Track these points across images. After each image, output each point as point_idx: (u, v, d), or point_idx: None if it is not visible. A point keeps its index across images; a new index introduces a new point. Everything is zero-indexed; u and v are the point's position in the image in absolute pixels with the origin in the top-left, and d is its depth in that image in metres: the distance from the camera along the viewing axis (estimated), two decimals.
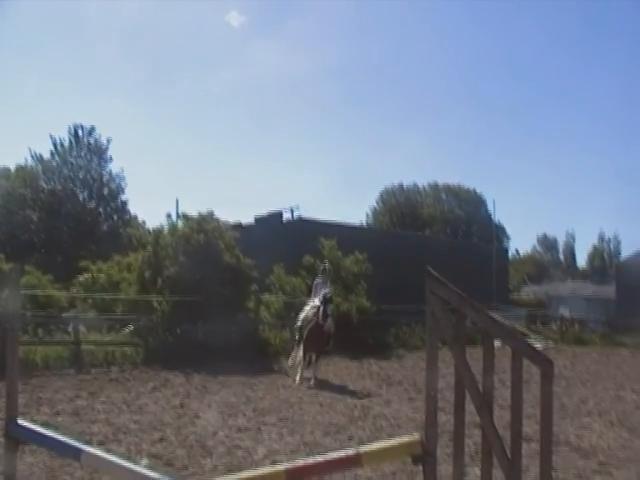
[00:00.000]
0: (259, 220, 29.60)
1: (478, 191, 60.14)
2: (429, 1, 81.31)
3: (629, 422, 8.66)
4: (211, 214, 16.09)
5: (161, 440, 6.89)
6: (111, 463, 3.69)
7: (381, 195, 61.24)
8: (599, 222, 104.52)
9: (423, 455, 3.80)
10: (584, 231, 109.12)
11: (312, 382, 11.42)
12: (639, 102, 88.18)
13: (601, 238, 74.23)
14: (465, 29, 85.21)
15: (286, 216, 28.86)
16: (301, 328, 12.34)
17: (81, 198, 45.64)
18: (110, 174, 46.49)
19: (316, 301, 12.18)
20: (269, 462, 5.75)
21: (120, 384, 10.91)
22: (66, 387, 10.36)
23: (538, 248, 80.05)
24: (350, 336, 15.60)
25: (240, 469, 5.18)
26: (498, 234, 51.96)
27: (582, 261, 77.09)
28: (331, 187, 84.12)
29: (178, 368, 12.17)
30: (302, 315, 12.64)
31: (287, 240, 23.65)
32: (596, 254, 73.55)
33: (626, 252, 58.42)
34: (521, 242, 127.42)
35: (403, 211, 57.73)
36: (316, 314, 11.87)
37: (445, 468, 4.17)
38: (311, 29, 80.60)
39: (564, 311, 33.60)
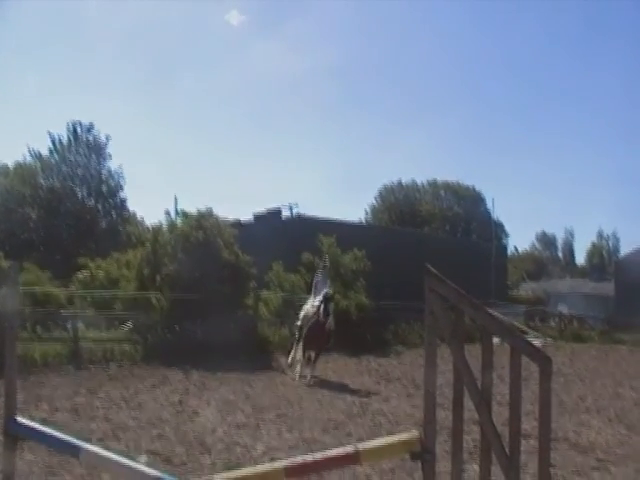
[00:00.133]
0: (258, 217, 29.63)
1: (477, 188, 60.21)
2: (429, 1, 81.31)
3: (627, 419, 8.68)
4: (210, 211, 16.07)
5: (160, 437, 6.90)
6: (110, 460, 3.69)
7: (380, 192, 61.24)
8: (598, 219, 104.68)
9: (422, 452, 3.80)
10: (583, 228, 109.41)
11: (310, 380, 11.42)
12: (639, 101, 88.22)
13: (600, 235, 74.39)
14: (465, 29, 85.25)
15: (285, 214, 28.90)
16: (301, 327, 12.33)
17: (80, 196, 45.63)
18: (109, 171, 46.50)
19: (317, 299, 12.17)
20: (268, 459, 5.76)
21: (119, 381, 10.92)
22: (65, 384, 10.36)
23: (537, 245, 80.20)
24: (349, 333, 15.59)
25: (239, 466, 5.18)
26: (497, 231, 52.02)
27: (581, 258, 77.27)
28: (330, 185, 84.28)
29: (177, 365, 12.17)
30: (302, 313, 12.64)
31: (286, 237, 23.67)
32: (595, 251, 73.64)
33: (625, 249, 58.55)
34: (520, 239, 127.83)
35: (402, 208, 57.71)
36: (317, 312, 11.86)
37: (444, 465, 4.18)
38: (311, 29, 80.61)
39: (563, 308, 33.69)
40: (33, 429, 3.88)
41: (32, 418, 4.52)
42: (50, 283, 18.49)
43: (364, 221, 55.24)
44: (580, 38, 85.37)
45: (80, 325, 13.91)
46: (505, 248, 48.35)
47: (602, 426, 8.14)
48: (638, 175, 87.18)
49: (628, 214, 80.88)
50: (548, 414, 3.50)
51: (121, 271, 17.32)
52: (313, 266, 16.33)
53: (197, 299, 13.98)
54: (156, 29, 70.96)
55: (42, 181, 44.62)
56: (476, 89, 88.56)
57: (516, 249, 71.28)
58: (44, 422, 5.73)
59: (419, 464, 3.88)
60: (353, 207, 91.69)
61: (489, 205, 52.57)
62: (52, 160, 45.40)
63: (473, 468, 4.94)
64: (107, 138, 45.75)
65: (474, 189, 60.36)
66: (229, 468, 5.21)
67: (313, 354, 11.95)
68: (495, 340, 3.82)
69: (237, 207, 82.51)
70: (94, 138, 45.83)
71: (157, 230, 16.19)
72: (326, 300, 11.85)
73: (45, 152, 45.34)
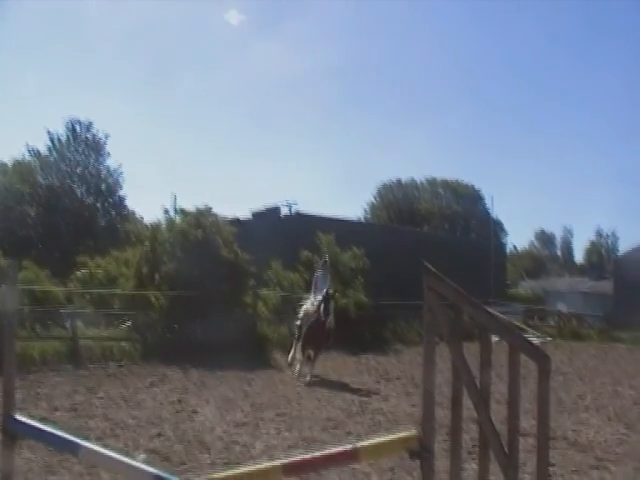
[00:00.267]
0: (257, 215, 29.59)
1: (476, 187, 60.19)
2: (429, 1, 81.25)
3: (626, 417, 8.69)
4: (209, 209, 16.07)
5: (159, 435, 6.90)
6: (109, 458, 3.69)
7: (379, 190, 61.16)
8: (597, 218, 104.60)
9: (420, 450, 3.80)
10: (582, 227, 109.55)
11: (310, 379, 11.41)
12: (638, 100, 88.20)
13: (599, 234, 74.41)
14: (465, 29, 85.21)
15: (284, 211, 28.88)
16: (301, 326, 12.32)
17: (79, 193, 45.56)
18: (108, 170, 46.43)
19: (317, 298, 12.14)
20: (267, 457, 5.75)
21: (118, 380, 10.91)
22: (64, 383, 10.35)
23: (536, 243, 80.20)
24: (348, 331, 15.60)
25: (238, 464, 5.18)
26: (496, 230, 51.96)
27: (579, 257, 77.31)
28: (329, 183, 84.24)
29: (176, 363, 12.17)
30: (302, 312, 12.62)
31: (285, 235, 23.64)
32: (594, 250, 73.66)
33: (624, 248, 58.54)
34: (519, 238, 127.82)
35: (401, 207, 57.62)
36: (317, 310, 11.85)
37: (442, 463, 4.18)
38: (311, 29, 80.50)
39: (561, 306, 33.71)
40: (32, 427, 3.87)
41: (31, 416, 4.51)
42: (49, 281, 18.43)
43: (363, 219, 55.18)
44: (580, 38, 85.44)
45: (79, 323, 13.90)
46: (504, 246, 48.35)
47: (601, 425, 8.15)
48: (637, 174, 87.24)
49: (627, 212, 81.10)
50: (547, 413, 3.49)
51: (120, 269, 17.32)
52: (312, 264, 16.34)
53: (196, 297, 13.98)
54: (155, 28, 70.83)
55: (41, 179, 44.54)
56: (475, 88, 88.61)
57: (515, 247, 71.37)
58: (43, 420, 5.72)
59: (418, 462, 3.88)
60: (352, 205, 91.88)
61: (488, 203, 52.65)
62: (51, 158, 45.31)
63: (472, 466, 4.94)
64: (106, 136, 45.75)
65: (473, 187, 60.35)
66: (228, 466, 5.21)
67: (313, 353, 11.95)
68: (494, 338, 3.81)
69: (236, 205, 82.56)
70: (93, 136, 45.77)
71: (156, 228, 16.19)
72: (326, 299, 11.84)
73: (44, 150, 45.32)
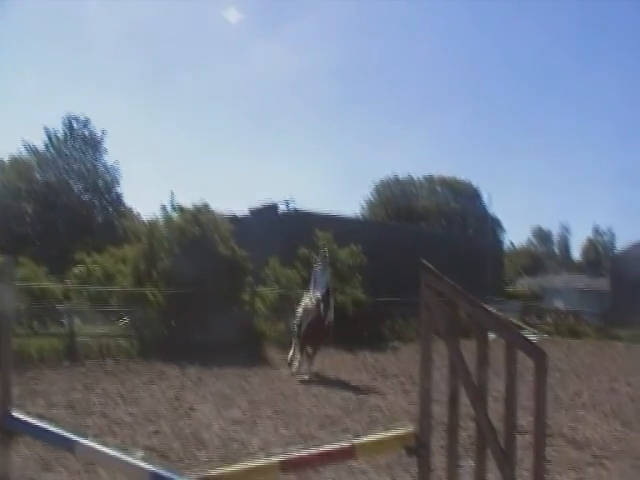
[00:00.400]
0: (254, 212, 29.59)
1: (473, 184, 60.25)
2: (429, 1, 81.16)
3: (623, 414, 8.71)
4: (206, 206, 16.05)
5: (156, 432, 6.90)
6: (106, 455, 3.69)
7: (376, 188, 61.19)
8: (594, 215, 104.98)
9: (417, 447, 3.81)
10: (579, 224, 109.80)
11: (310, 376, 11.41)
12: (636, 100, 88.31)
13: (596, 231, 74.61)
14: (465, 29, 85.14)
15: (281, 208, 28.87)
16: (300, 323, 12.30)
17: (76, 190, 45.48)
18: (105, 166, 46.37)
19: (316, 294, 12.11)
20: (264, 454, 5.75)
21: (115, 376, 10.91)
22: (61, 380, 10.35)
23: (533, 240, 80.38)
24: (346, 328, 15.60)
25: (235, 461, 5.18)
26: (493, 227, 52.01)
27: (577, 254, 77.48)
28: (326, 180, 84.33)
29: (173, 360, 12.17)
30: (301, 308, 12.59)
31: (282, 232, 23.64)
32: (591, 247, 73.84)
33: (621, 245, 58.67)
34: (516, 234, 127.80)
35: (398, 204, 57.64)
36: (317, 306, 11.83)
37: (439, 460, 4.18)
38: (311, 28, 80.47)
39: (559, 304, 33.77)
40: (29, 424, 3.87)
41: (28, 413, 4.51)
42: (46, 278, 18.40)
43: (360, 216, 55.20)
44: (580, 38, 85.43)
45: (76, 320, 13.88)
46: (501, 243, 48.54)
47: (598, 422, 8.17)
48: (635, 171, 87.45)
49: (624, 210, 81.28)
50: (544, 409, 3.50)
51: (117, 266, 17.28)
52: (309, 261, 16.31)
53: (193, 294, 13.97)
54: (152, 24, 70.82)
55: (38, 176, 44.42)
56: (473, 87, 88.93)
57: (512, 244, 71.49)
58: (40, 417, 5.71)
59: (415, 459, 3.89)
60: (349, 202, 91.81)
61: (485, 200, 52.71)
62: (48, 155, 45.21)
63: (468, 463, 4.94)
64: (103, 133, 45.69)
65: (470, 184, 60.46)
66: (225, 463, 5.21)
67: (311, 349, 11.95)
68: (491, 335, 3.81)
69: (233, 202, 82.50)
70: (90, 133, 45.70)
71: (153, 225, 16.16)
72: (327, 295, 11.82)
73: (41, 147, 45.23)
